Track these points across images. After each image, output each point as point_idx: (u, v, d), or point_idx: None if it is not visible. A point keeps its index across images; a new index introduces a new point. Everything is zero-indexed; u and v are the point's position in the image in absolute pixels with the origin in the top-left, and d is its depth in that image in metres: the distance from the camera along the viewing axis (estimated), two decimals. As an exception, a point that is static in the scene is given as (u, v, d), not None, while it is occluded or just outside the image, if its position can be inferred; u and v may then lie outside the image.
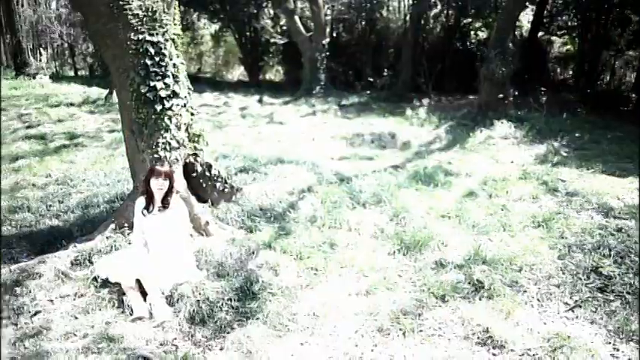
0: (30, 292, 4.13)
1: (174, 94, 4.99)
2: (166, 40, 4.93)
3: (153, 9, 4.80)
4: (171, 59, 4.98)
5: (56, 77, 21.00)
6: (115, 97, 13.62)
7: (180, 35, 5.19)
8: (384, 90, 17.48)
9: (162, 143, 4.96)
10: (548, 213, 5.81)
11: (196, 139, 5.39)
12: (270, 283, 4.24)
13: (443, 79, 17.57)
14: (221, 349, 3.53)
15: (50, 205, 6.18)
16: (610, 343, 3.60)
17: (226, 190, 5.72)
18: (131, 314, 3.90)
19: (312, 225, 5.42)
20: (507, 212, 5.92)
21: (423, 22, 18.95)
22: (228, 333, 3.66)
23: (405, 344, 3.56)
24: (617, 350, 3.52)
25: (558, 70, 19.71)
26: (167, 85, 4.92)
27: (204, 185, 5.54)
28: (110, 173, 7.41)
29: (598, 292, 4.20)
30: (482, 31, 19.69)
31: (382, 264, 4.70)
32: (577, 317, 3.93)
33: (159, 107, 4.89)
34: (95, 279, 4.24)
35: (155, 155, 4.93)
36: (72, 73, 24.40)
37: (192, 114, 5.31)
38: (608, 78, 17.60)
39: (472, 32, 19.81)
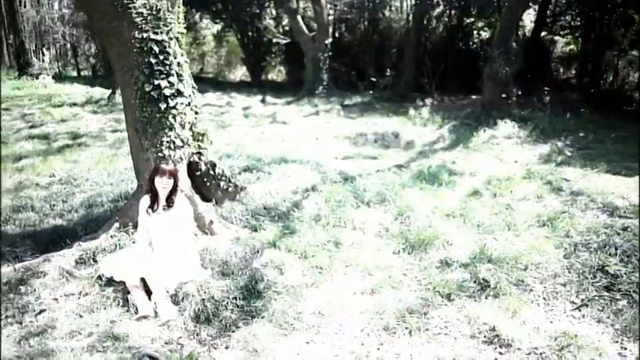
0: (34, 290, 4.12)
1: (179, 93, 4.98)
2: (170, 39, 4.93)
3: (157, 7, 4.80)
4: (175, 58, 4.97)
5: (59, 77, 21.04)
6: (117, 97, 13.71)
7: (184, 34, 5.18)
8: (386, 90, 17.47)
9: (167, 142, 4.96)
10: (553, 212, 5.78)
11: (200, 137, 5.38)
12: (275, 281, 4.23)
13: (446, 78, 17.55)
14: (226, 348, 3.52)
15: (54, 205, 6.17)
16: (617, 342, 3.57)
17: (230, 189, 5.72)
18: (136, 313, 3.89)
19: (316, 224, 5.41)
20: (512, 211, 5.90)
21: (425, 21, 18.94)
22: (233, 332, 3.65)
23: (411, 343, 3.54)
24: (625, 349, 3.49)
25: (561, 69, 19.67)
26: (171, 84, 4.91)
27: (208, 184, 5.53)
28: (113, 173, 7.41)
29: (604, 291, 4.17)
30: (485, 30, 19.66)
31: (387, 263, 4.68)
32: (584, 316, 3.91)
33: (163, 106, 4.89)
34: (100, 278, 4.23)
35: (159, 154, 4.92)
36: (75, 74, 24.44)
37: (196, 113, 5.30)
38: (611, 78, 17.54)
39: (475, 32, 19.78)
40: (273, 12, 22.49)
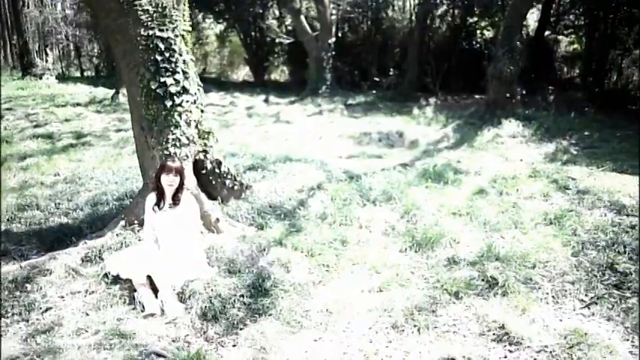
0: (40, 288, 4.11)
1: (185, 91, 4.97)
2: (176, 36, 4.91)
3: (163, 5, 4.78)
4: (181, 55, 4.95)
5: (62, 78, 21.10)
6: (121, 97, 13.74)
7: (189, 31, 5.16)
8: (390, 89, 17.41)
9: (172, 140, 4.94)
10: (559, 210, 5.74)
11: (206, 135, 5.36)
12: (282, 279, 4.21)
13: (449, 78, 17.48)
14: (234, 346, 3.50)
15: (59, 203, 6.16)
16: (628, 340, 3.54)
17: (236, 187, 5.70)
18: (142, 311, 3.87)
19: (322, 222, 5.39)
20: (518, 210, 5.86)
21: (428, 21, 18.88)
22: (241, 329, 3.63)
23: (419, 341, 3.51)
24: (636, 347, 3.46)
25: (565, 69, 19.60)
26: (177, 81, 4.90)
27: (213, 182, 5.51)
28: (118, 171, 7.40)
29: (614, 289, 4.14)
30: (488, 30, 19.59)
31: (394, 261, 4.66)
32: (593, 314, 3.88)
33: (169, 103, 4.87)
34: (106, 275, 4.21)
35: (165, 152, 4.91)
36: (78, 74, 24.47)
37: (202, 110, 5.28)
38: (615, 77, 17.47)
39: (478, 31, 19.71)
40: (276, 12, 22.47)
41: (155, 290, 4.03)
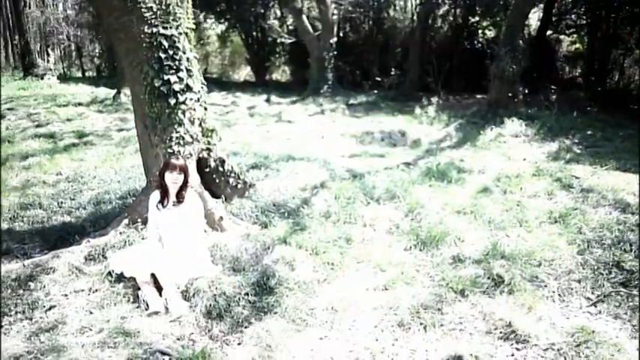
0: (44, 286, 4.08)
1: (188, 88, 4.94)
2: (180, 34, 4.89)
3: (166, 2, 4.76)
4: (184, 53, 4.93)
5: (64, 78, 21.12)
6: (123, 97, 13.74)
7: (193, 29, 5.13)
8: (391, 89, 17.41)
9: (176, 138, 4.92)
10: (564, 209, 5.73)
11: (209, 133, 5.33)
12: (287, 277, 4.18)
13: (451, 78, 17.47)
14: (239, 344, 3.47)
15: (62, 202, 6.14)
16: (636, 338, 3.51)
17: (239, 185, 5.68)
18: (147, 309, 3.84)
19: (326, 220, 5.37)
20: (523, 208, 5.84)
21: (430, 21, 18.87)
22: (246, 327, 3.60)
23: (426, 339, 3.49)
24: (644, 345, 3.44)
25: (567, 68, 19.57)
26: (181, 79, 4.87)
27: (217, 181, 5.49)
28: (121, 170, 7.38)
29: (621, 287, 4.12)
30: (490, 30, 19.59)
31: (399, 259, 4.64)
32: (600, 312, 3.86)
33: (172, 101, 4.85)
34: (110, 274, 4.18)
35: (168, 150, 4.88)
36: (79, 74, 24.51)
37: (205, 108, 5.26)
38: (617, 76, 17.44)
39: (480, 31, 19.70)
40: (278, 12, 22.47)
41: (159, 288, 4.01)
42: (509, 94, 12.38)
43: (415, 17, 19.11)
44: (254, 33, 22.99)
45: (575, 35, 18.87)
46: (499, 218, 5.53)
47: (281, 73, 25.42)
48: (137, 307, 3.89)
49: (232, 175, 5.60)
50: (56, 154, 8.53)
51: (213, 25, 24.83)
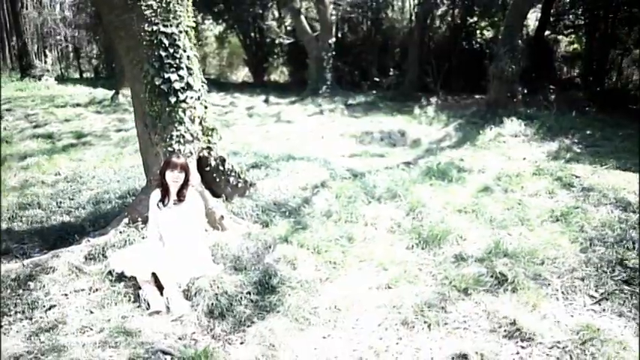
0: (44, 286, 4.03)
1: (189, 87, 4.91)
2: (180, 32, 4.86)
3: (167, 0, 4.73)
4: (185, 51, 4.90)
5: (61, 79, 21.05)
6: (121, 98, 13.71)
7: (194, 27, 5.10)
8: (390, 89, 17.39)
9: (177, 136, 4.88)
10: (565, 207, 5.72)
11: (210, 132, 5.30)
12: (289, 276, 4.15)
13: (449, 78, 17.46)
14: (242, 343, 3.44)
15: (61, 202, 6.10)
16: (641, 335, 3.50)
17: (240, 184, 5.64)
18: (148, 308, 3.81)
19: (327, 219, 5.34)
20: (524, 207, 5.83)
21: (429, 21, 18.87)
22: (248, 327, 3.57)
23: (430, 337, 3.46)
24: (650, 343, 3.41)
25: (564, 69, 19.60)
26: (181, 78, 4.84)
27: (217, 180, 5.45)
28: (120, 170, 7.35)
29: (624, 285, 4.10)
30: (488, 30, 19.61)
31: (401, 258, 4.61)
32: (604, 310, 3.84)
33: (173, 99, 4.82)
34: (110, 273, 4.14)
35: (169, 148, 4.84)
36: (77, 75, 24.43)
37: (205, 107, 5.23)
38: (615, 77, 17.46)
39: (478, 31, 19.72)
40: (276, 13, 22.45)
41: (160, 288, 3.97)
42: (509, 94, 12.39)
43: (414, 17, 19.11)
44: (252, 34, 22.95)
45: (573, 36, 18.89)
46: (500, 217, 5.51)
47: (279, 74, 25.39)
48: (138, 307, 3.85)
49: (233, 174, 5.57)
50: (55, 155, 8.49)
51: (211, 26, 24.80)
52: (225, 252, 4.51)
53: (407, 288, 4.07)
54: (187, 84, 4.90)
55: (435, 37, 20.05)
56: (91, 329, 3.58)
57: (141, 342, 3.41)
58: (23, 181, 7.08)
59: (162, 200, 4.30)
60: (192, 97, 4.95)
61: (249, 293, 3.91)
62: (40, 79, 19.15)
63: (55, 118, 11.62)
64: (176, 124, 4.88)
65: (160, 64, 4.75)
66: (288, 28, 21.62)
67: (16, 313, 3.76)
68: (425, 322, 3.58)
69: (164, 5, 4.73)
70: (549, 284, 4.16)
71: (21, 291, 4.01)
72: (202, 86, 5.15)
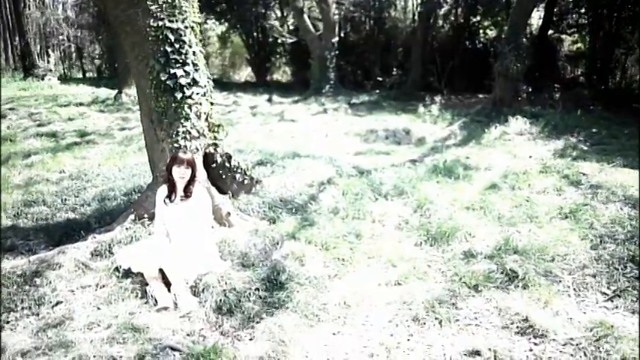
0: (50, 282, 4.00)
1: (195, 82, 4.88)
2: (186, 27, 4.83)
3: (173, -5, 4.70)
4: (191, 47, 4.87)
5: (64, 79, 21.05)
6: (124, 97, 13.70)
7: (199, 23, 5.07)
8: (393, 89, 17.36)
9: (183, 132, 4.85)
10: (574, 205, 5.66)
11: (216, 129, 5.27)
12: (297, 273, 4.11)
13: (453, 77, 17.44)
14: (251, 340, 3.39)
15: (65, 199, 6.08)
16: (655, 332, 3.44)
17: (246, 181, 5.61)
18: (155, 305, 3.77)
19: (335, 216, 5.30)
20: (532, 204, 5.78)
21: (432, 20, 18.83)
22: (257, 323, 3.52)
23: (442, 334, 3.41)
24: (664, 340, 3.36)
25: (568, 68, 19.53)
26: (187, 73, 4.81)
27: (223, 176, 5.41)
28: (124, 168, 7.33)
29: (637, 282, 4.04)
30: (491, 29, 19.57)
31: (410, 254, 4.57)
32: (617, 307, 3.78)
33: (179, 95, 4.78)
34: (117, 269, 4.11)
35: (175, 144, 4.82)
36: (80, 75, 24.46)
37: (211, 103, 5.19)
38: (618, 76, 17.40)
39: (481, 31, 19.68)
40: (278, 12, 22.42)
41: (167, 284, 3.94)
42: (513, 93, 12.33)
43: (416, 17, 19.07)
44: (255, 33, 22.94)
45: (576, 35, 18.83)
46: (509, 214, 5.47)
47: (282, 74, 25.36)
48: (145, 303, 3.81)
49: (239, 170, 5.53)
50: (59, 153, 8.46)
51: (213, 26, 24.77)
52: (232, 248, 4.47)
53: (416, 284, 4.02)
54: (193, 80, 4.87)
55: (438, 36, 20.02)
56: (99, 325, 3.54)
57: (149, 338, 3.37)
58: (28, 178, 7.06)
59: (168, 196, 4.26)
60: (198, 93, 4.92)
61: (257, 289, 3.87)
62: (43, 79, 19.16)
63: (59, 117, 11.59)
64: (182, 120, 4.85)
65: (166, 59, 4.73)
66: (291, 27, 21.59)
67: (22, 309, 3.73)
68: (436, 319, 3.54)
69: (169, 0, 4.70)
70: (560, 281, 4.11)
71: (27, 287, 3.98)
72: (208, 82, 5.12)
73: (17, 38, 21.42)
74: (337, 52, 17.27)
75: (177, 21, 4.76)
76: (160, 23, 4.69)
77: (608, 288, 4.03)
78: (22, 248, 4.73)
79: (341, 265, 4.34)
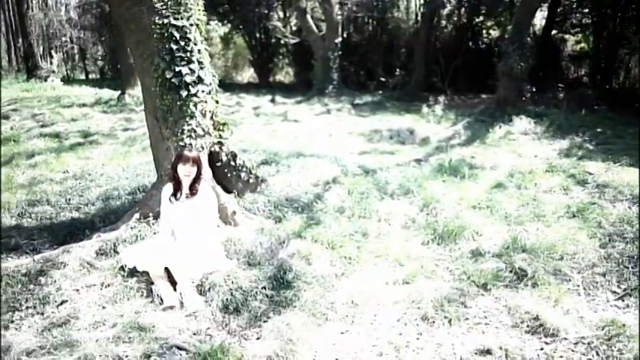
0: (55, 281, 3.98)
1: (200, 80, 4.85)
2: (191, 25, 4.80)
3: (177, -8, 4.67)
4: (196, 44, 4.84)
5: (67, 80, 21.06)
6: (127, 98, 13.68)
7: (204, 21, 5.04)
8: (396, 89, 17.32)
9: (188, 130, 4.82)
10: (581, 204, 5.62)
11: (221, 127, 5.24)
12: (304, 271, 4.07)
13: (456, 77, 17.39)
14: (258, 339, 3.36)
15: (70, 199, 6.06)
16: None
17: (251, 180, 5.57)
18: (161, 303, 3.74)
19: (341, 215, 5.27)
20: (539, 203, 5.75)
21: (435, 21, 18.79)
22: (264, 322, 3.49)
23: (451, 332, 3.37)
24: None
25: (572, 68, 19.47)
26: (192, 71, 4.78)
27: (229, 175, 5.39)
28: (128, 168, 7.30)
29: (647, 281, 4.00)
30: (495, 29, 19.52)
31: (417, 253, 4.53)
32: (628, 306, 3.74)
33: (184, 93, 4.75)
34: (122, 268, 4.09)
35: (180, 143, 4.79)
36: (83, 76, 24.48)
37: (217, 101, 5.16)
38: (622, 76, 17.32)
39: (484, 31, 19.62)
40: (281, 13, 22.40)
41: (173, 283, 3.91)
42: (517, 92, 12.28)
43: (419, 17, 19.03)
44: (257, 34, 22.90)
45: (580, 35, 18.78)
46: (516, 213, 5.44)
47: (284, 75, 25.32)
48: (151, 302, 3.79)
49: (244, 169, 5.50)
50: (62, 153, 8.46)
51: (216, 27, 24.75)
52: (238, 247, 4.44)
53: (425, 283, 3.98)
54: (198, 77, 4.83)
55: (441, 36, 19.97)
56: (104, 324, 3.51)
57: (155, 337, 3.34)
58: (31, 178, 7.05)
59: (174, 194, 4.23)
60: (203, 91, 4.89)
61: (264, 288, 3.83)
62: (46, 80, 19.16)
63: (62, 117, 11.57)
64: (187, 118, 4.82)
65: (171, 57, 4.70)
66: (294, 28, 21.57)
67: (27, 308, 3.72)
68: (445, 317, 3.50)
69: (175, -2, 4.67)
70: (570, 280, 4.06)
71: (32, 286, 3.95)
72: (213, 80, 5.09)
73: (20, 40, 21.47)
74: (340, 53, 17.23)
75: (182, 18, 4.73)
76: (165, 21, 4.66)
77: (618, 287, 3.99)
78: (26, 247, 4.71)
79: (348, 264, 4.30)
